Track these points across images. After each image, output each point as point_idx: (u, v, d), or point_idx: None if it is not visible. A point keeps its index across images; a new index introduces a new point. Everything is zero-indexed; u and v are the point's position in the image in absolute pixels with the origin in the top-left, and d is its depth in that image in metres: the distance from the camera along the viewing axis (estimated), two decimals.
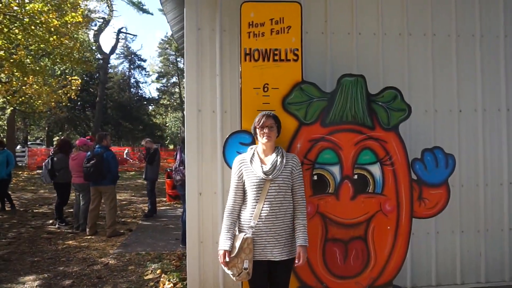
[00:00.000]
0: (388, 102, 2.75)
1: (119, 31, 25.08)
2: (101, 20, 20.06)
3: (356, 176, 2.73)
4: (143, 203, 10.06)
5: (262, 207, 2.29)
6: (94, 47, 18.33)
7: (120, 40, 27.10)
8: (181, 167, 5.35)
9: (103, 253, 5.36)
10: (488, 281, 3.40)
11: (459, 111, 3.33)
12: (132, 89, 32.13)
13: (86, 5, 12.36)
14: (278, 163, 2.34)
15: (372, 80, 2.96)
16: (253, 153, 2.43)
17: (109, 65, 26.27)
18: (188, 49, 3.10)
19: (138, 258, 5.14)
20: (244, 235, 2.30)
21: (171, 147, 32.67)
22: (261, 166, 2.33)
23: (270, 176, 2.30)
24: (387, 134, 2.75)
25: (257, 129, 2.42)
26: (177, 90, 34.22)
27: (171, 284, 4.00)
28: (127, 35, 29.91)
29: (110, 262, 4.98)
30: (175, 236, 6.27)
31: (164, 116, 37.86)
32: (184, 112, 3.26)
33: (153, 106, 34.01)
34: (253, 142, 2.67)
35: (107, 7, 18.41)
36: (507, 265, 3.42)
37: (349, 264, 2.76)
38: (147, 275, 4.45)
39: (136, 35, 54.93)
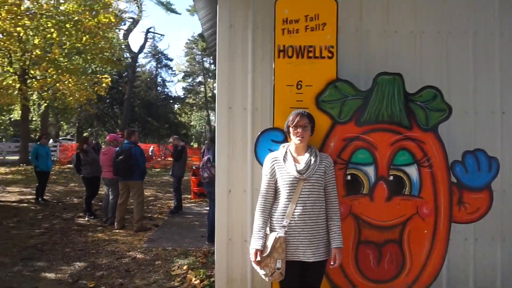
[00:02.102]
0: (427, 101, 2.64)
1: (148, 31, 25.69)
2: (131, 20, 20.61)
3: (391, 177, 2.64)
4: (168, 199, 10.23)
5: (295, 207, 2.25)
6: (123, 46, 18.84)
7: (148, 40, 27.71)
8: (208, 165, 5.39)
9: (131, 247, 5.48)
10: None
11: (502, 113, 3.16)
12: (158, 88, 32.77)
13: (117, 5, 12.74)
14: (312, 162, 2.30)
15: (408, 80, 2.84)
16: (286, 151, 2.39)
17: (137, 64, 26.90)
18: (220, 46, 3.10)
19: (165, 253, 5.22)
20: (276, 234, 2.26)
21: (196, 145, 33.08)
22: (295, 165, 2.29)
23: (304, 175, 2.26)
24: (425, 135, 2.64)
25: (290, 128, 2.38)
26: (202, 89, 34.63)
27: (198, 281, 4.03)
28: (155, 34, 30.53)
29: (138, 256, 5.08)
30: (201, 233, 6.33)
31: (189, 115, 38.39)
32: (215, 110, 3.26)
33: (178, 105, 34.54)
34: (285, 140, 2.63)
35: (137, 7, 18.88)
36: None
37: (383, 268, 2.68)
38: (174, 270, 4.50)
39: (163, 35, 56.05)
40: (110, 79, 15.24)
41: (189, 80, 34.98)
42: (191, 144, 35.26)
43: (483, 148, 2.79)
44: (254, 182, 3.12)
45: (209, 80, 34.84)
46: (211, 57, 6.54)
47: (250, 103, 3.10)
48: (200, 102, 35.30)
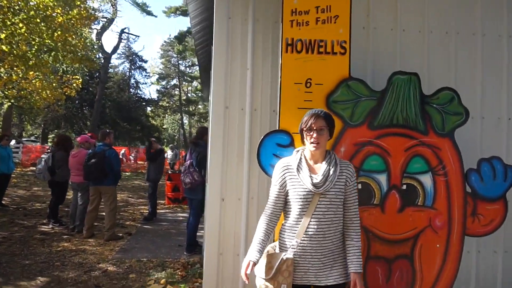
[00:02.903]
0: (444, 104, 2.46)
1: (122, 31, 24.76)
2: (105, 19, 19.76)
3: (404, 186, 2.43)
4: (141, 204, 9.70)
5: (308, 224, 1.92)
6: (96, 46, 17.99)
7: (122, 40, 26.78)
8: (191, 169, 5.03)
9: (101, 258, 4.99)
10: None
11: (508, 119, 3.06)
12: (131, 90, 31.71)
13: (93, 1, 12.09)
14: (331, 173, 1.95)
15: None
16: (300, 158, 2.03)
17: (110, 64, 25.88)
18: (217, 40, 2.80)
19: (139, 265, 4.78)
20: (284, 255, 1.94)
21: (167, 149, 32.16)
22: (310, 176, 1.95)
23: (321, 189, 1.92)
24: (442, 141, 2.46)
25: (304, 132, 2.02)
26: (177, 92, 33.88)
27: None
28: (129, 35, 29.53)
29: (109, 268, 4.61)
30: (178, 242, 5.93)
31: (162, 118, 37.45)
32: (210, 109, 2.95)
33: (152, 107, 33.59)
34: (292, 143, 2.37)
35: (111, 6, 18.12)
36: None
37: (391, 286, 2.45)
38: (150, 285, 4.10)
39: (138, 36, 54.31)
40: (81, 80, 14.42)
41: (164, 82, 34.15)
42: (163, 147, 34.23)
43: (488, 155, 2.64)
44: (250, 190, 2.84)
45: (184, 83, 34.17)
46: (197, 56, 6.16)
47: (248, 103, 2.83)
48: (174, 106, 34.49)
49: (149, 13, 25.58)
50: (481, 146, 2.98)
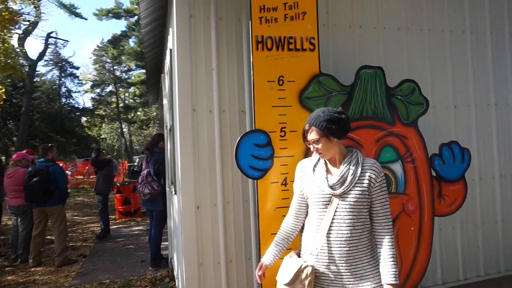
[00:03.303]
0: (407, 95, 2.61)
1: (49, 36, 22.63)
2: (27, 23, 17.89)
3: None
4: (90, 222, 9.04)
5: (328, 230, 1.78)
6: (19, 51, 16.25)
7: (49, 46, 24.57)
8: (149, 179, 4.77)
9: (56, 287, 4.53)
10: (487, 274, 3.43)
11: (454, 107, 3.33)
12: (63, 99, 29.31)
13: (15, 1, 10.83)
14: (350, 173, 1.79)
15: None
16: (319, 159, 1.90)
17: (36, 72, 23.58)
18: (179, 40, 2.67)
19: None
20: (304, 262, 1.83)
21: None
22: (326, 178, 1.81)
23: (338, 191, 1.78)
24: (407, 130, 2.60)
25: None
26: (114, 99, 32.03)
27: None
28: (57, 40, 27.13)
29: None
30: (140, 258, 5.61)
31: (99, 128, 35.18)
32: (176, 113, 2.80)
33: (87, 117, 31.35)
34: (269, 142, 2.34)
35: (34, 8, 16.42)
36: (501, 257, 3.49)
37: None
38: None
39: (67, 40, 49.37)
40: (4, 90, 12.97)
41: (98, 90, 32.00)
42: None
43: (441, 141, 2.85)
44: (225, 195, 2.76)
45: (121, 89, 32.41)
46: (145, 58, 5.81)
47: (216, 104, 2.73)
48: (112, 114, 32.53)
49: (78, 15, 23.72)
50: (434, 133, 3.21)
